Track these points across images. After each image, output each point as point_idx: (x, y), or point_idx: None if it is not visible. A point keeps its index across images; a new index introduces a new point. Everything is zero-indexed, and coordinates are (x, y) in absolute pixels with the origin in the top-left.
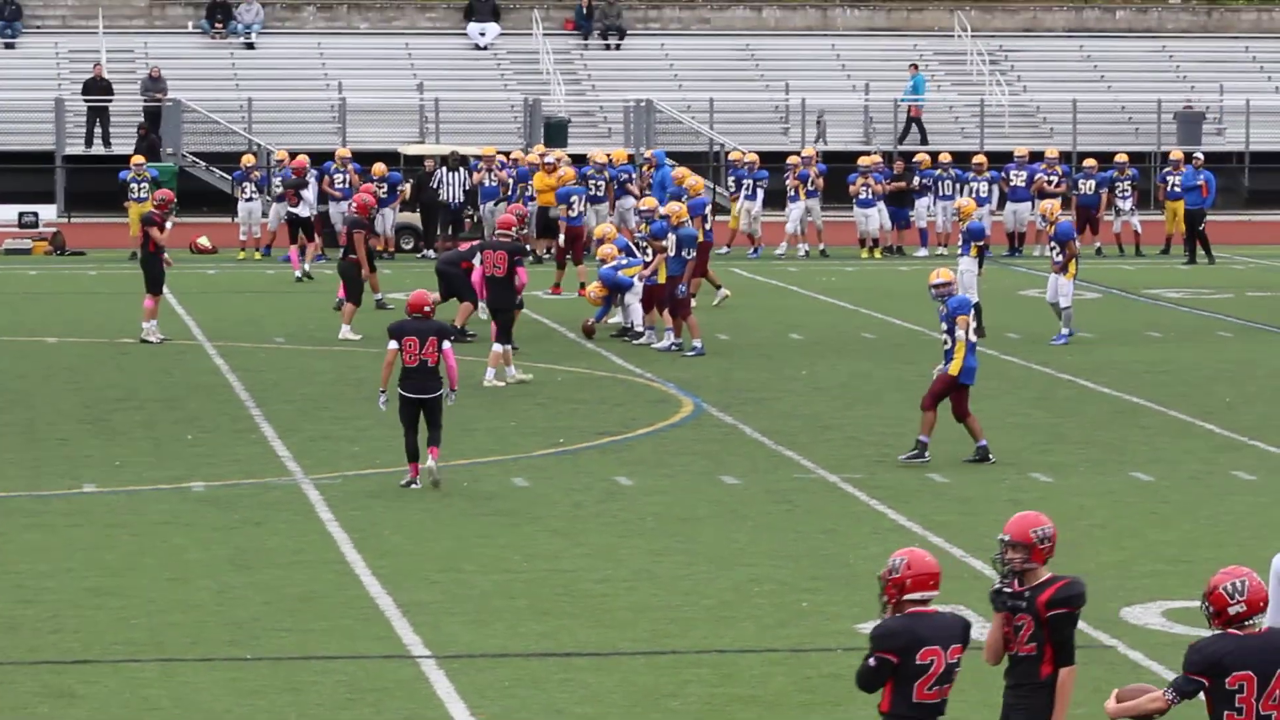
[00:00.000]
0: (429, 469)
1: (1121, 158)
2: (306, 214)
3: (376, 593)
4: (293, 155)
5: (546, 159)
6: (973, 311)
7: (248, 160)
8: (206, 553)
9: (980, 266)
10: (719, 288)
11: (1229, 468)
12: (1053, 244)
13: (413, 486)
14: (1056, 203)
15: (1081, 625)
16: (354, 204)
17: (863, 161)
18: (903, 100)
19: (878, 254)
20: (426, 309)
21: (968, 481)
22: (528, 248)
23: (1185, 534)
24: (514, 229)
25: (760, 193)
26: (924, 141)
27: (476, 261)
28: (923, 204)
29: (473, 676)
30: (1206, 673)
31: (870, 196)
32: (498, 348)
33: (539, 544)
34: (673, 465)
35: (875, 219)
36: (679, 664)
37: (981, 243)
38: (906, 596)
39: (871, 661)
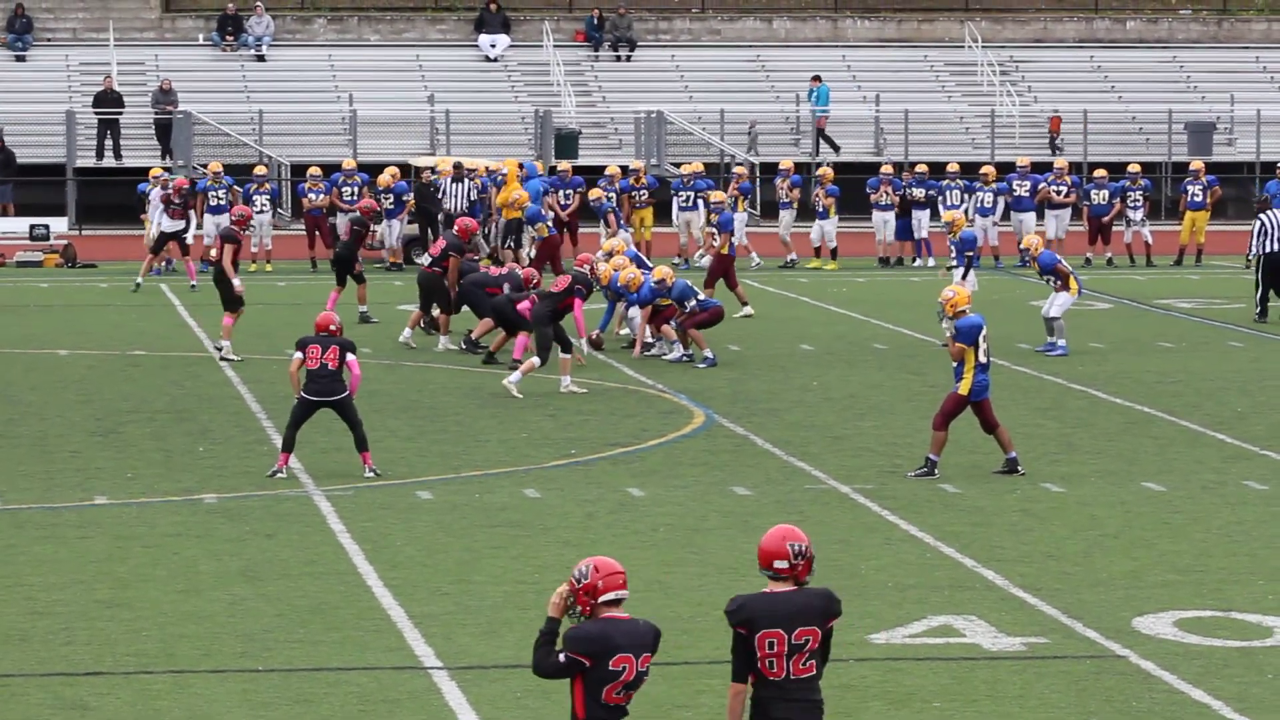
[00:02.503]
0: (367, 477)
1: (1134, 168)
2: (173, 229)
3: (388, 604)
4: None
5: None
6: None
7: (260, 170)
8: (218, 564)
9: (965, 276)
10: (744, 304)
11: (1241, 478)
12: (1045, 277)
13: (278, 475)
14: (1039, 239)
15: (1093, 635)
16: (456, 227)
17: (821, 173)
18: (813, 111)
19: (831, 265)
20: (332, 328)
21: (979, 492)
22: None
23: (1197, 544)
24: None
25: (701, 204)
26: (836, 152)
27: (507, 287)
28: (925, 215)
29: (484, 688)
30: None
31: (822, 209)
32: (563, 355)
33: (551, 555)
34: (684, 476)
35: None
36: (691, 674)
37: (971, 253)
38: (601, 599)
39: (562, 658)
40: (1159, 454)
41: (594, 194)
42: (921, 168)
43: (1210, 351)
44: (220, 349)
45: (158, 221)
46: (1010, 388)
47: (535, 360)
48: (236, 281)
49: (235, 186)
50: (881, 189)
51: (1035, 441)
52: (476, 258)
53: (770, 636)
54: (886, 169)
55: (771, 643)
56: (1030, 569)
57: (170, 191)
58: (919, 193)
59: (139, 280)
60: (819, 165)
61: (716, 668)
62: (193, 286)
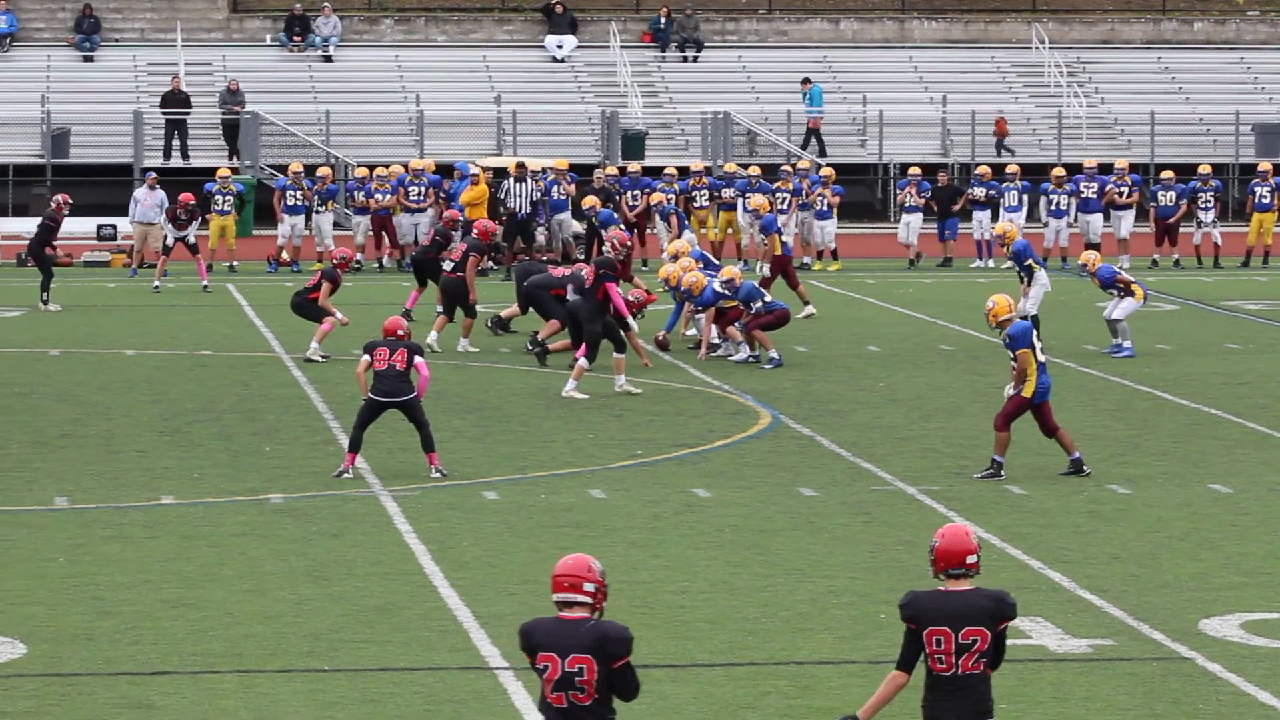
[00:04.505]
0: (433, 477)
1: (1205, 169)
2: (179, 236)
3: (454, 604)
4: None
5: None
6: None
7: (322, 171)
8: (284, 564)
9: (1029, 283)
10: (806, 303)
11: None
12: (1109, 290)
13: (344, 475)
14: (1097, 254)
15: (1159, 637)
16: (476, 230)
17: (824, 174)
18: (806, 113)
19: (835, 266)
20: (400, 333)
21: (1046, 493)
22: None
23: (1264, 546)
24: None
25: (741, 206)
26: (822, 154)
27: (571, 292)
28: (983, 216)
29: None
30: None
31: (825, 209)
32: (616, 355)
33: (617, 555)
34: (750, 477)
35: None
36: (757, 675)
37: (1029, 260)
38: (554, 599)
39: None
40: (1226, 455)
41: (655, 198)
42: (983, 169)
43: (1278, 353)
44: (310, 350)
45: (167, 229)
46: (1076, 389)
47: (584, 363)
48: (339, 315)
49: (310, 188)
50: (907, 190)
51: (1101, 443)
52: (544, 259)
53: (938, 634)
54: (914, 170)
55: (939, 640)
56: (1096, 571)
57: (177, 206)
58: (980, 193)
59: (156, 284)
60: (819, 166)
61: (783, 669)
62: (205, 287)
